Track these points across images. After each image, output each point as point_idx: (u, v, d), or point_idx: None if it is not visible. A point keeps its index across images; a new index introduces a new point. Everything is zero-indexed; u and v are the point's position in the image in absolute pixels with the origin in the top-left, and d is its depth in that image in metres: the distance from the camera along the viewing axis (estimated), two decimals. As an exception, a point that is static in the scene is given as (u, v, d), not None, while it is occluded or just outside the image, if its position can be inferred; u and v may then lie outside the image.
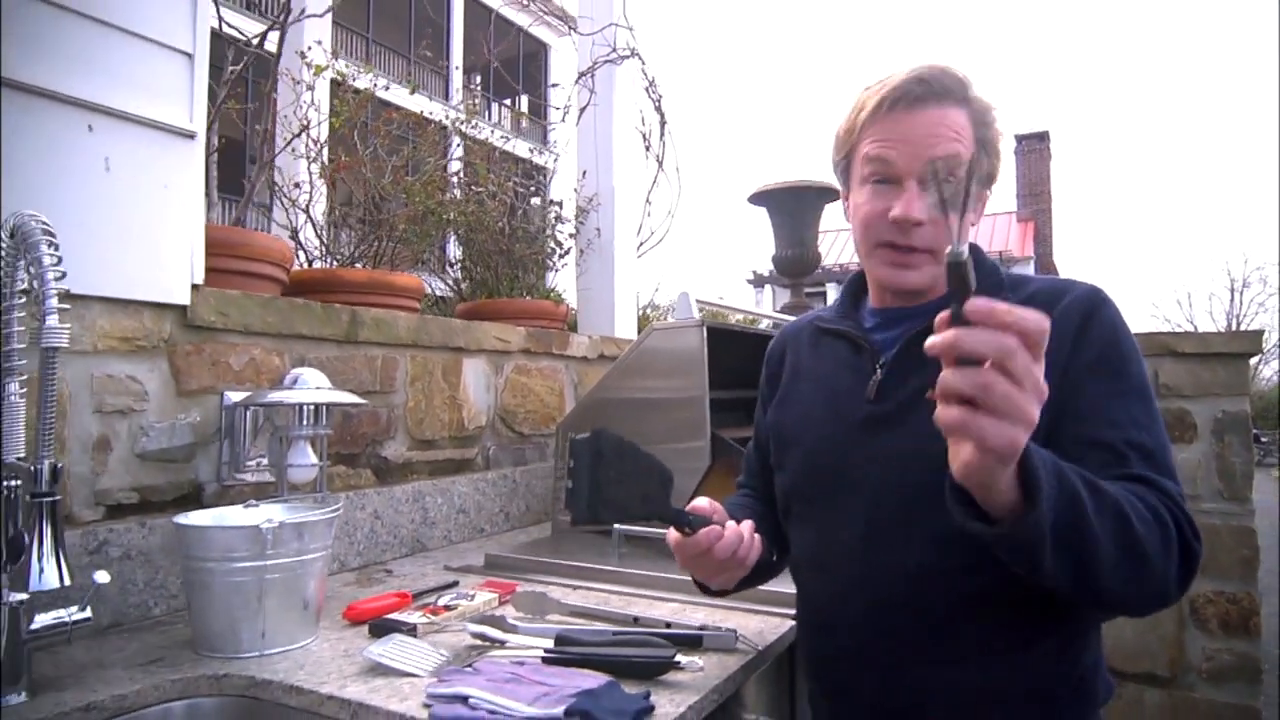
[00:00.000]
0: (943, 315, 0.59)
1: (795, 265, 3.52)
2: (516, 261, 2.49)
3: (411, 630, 1.09)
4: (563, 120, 2.93)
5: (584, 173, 2.78)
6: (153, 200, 1.23)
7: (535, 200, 2.93)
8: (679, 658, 0.97)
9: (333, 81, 2.55)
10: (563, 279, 2.76)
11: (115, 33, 1.18)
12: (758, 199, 3.47)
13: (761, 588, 1.11)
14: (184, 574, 1.11)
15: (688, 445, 1.58)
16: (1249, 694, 2.27)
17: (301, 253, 2.22)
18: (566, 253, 2.69)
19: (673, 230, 3.06)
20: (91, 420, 1.18)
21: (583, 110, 2.80)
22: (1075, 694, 0.86)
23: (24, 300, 0.92)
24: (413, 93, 3.41)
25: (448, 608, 1.19)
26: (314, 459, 1.37)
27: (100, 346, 1.18)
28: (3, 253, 0.91)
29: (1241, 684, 2.28)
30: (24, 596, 0.88)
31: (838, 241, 18.14)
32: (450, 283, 2.77)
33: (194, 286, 1.30)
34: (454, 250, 2.74)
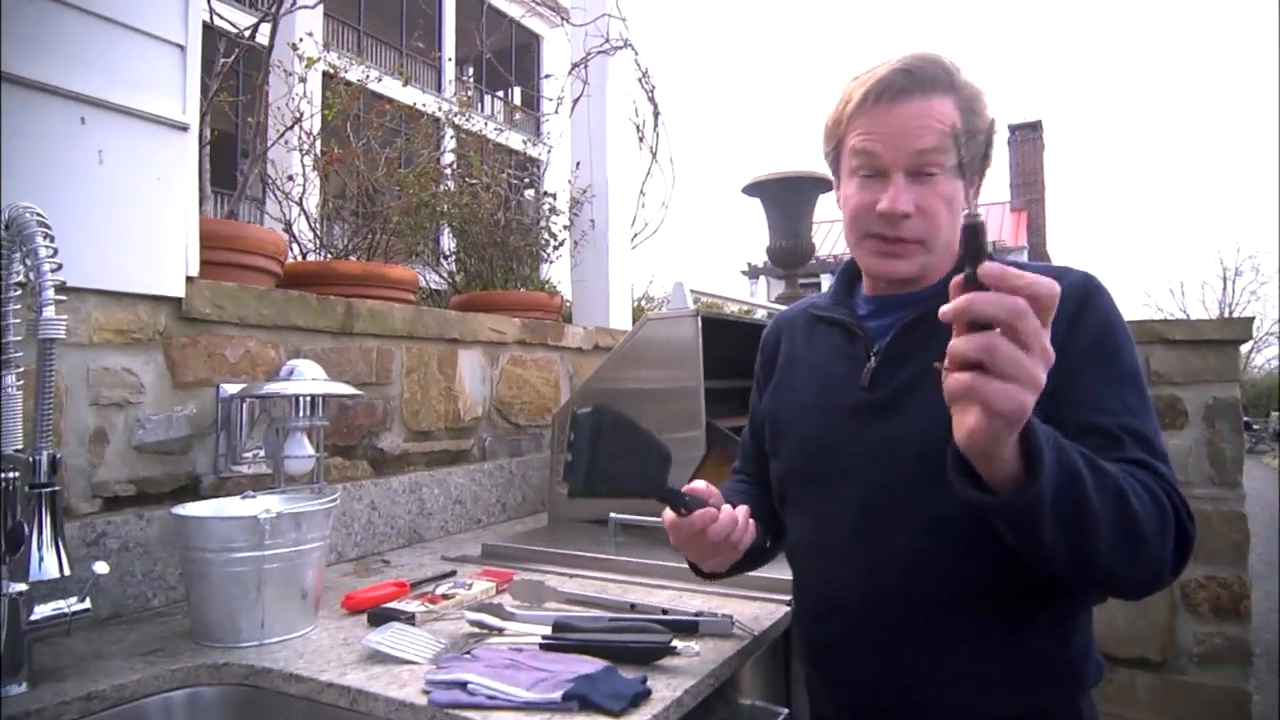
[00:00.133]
0: (957, 279, 0.60)
1: (790, 256, 3.51)
2: (511, 253, 2.49)
3: (410, 619, 1.10)
4: (556, 112, 2.93)
5: (578, 164, 2.78)
6: (147, 193, 1.23)
7: (529, 192, 2.92)
8: (675, 643, 0.97)
9: (325, 74, 2.54)
10: (557, 270, 2.76)
11: (107, 25, 1.18)
12: (752, 190, 3.46)
13: (757, 573, 1.12)
14: (183, 565, 1.11)
15: (683, 435, 1.58)
16: (1240, 677, 2.30)
17: (295, 245, 2.21)
18: (561, 244, 2.68)
19: (667, 222, 3.07)
20: (88, 413, 1.18)
21: (576, 102, 2.80)
22: (1065, 677, 0.87)
23: (19, 293, 0.92)
24: (405, 84, 3.40)
25: (446, 596, 1.20)
26: (310, 451, 1.37)
27: (96, 339, 1.18)
28: (-2, 245, 0.91)
29: (1233, 667, 2.30)
30: (24, 587, 0.88)
31: (832, 232, 18.10)
32: (445, 275, 2.77)
33: (189, 279, 1.30)
34: (448, 242, 2.74)
